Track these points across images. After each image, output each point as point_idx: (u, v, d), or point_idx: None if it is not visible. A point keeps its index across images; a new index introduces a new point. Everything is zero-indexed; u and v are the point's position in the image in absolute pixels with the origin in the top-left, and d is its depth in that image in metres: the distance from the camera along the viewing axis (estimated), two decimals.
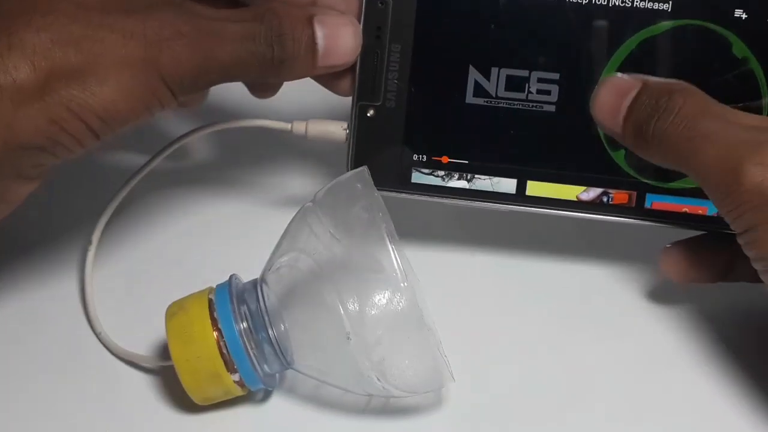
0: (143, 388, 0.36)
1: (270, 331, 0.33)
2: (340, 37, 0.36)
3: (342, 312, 0.32)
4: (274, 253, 0.35)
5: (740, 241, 0.33)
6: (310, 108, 0.43)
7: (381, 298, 0.32)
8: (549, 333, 0.39)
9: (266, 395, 0.36)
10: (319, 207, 0.34)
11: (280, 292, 0.34)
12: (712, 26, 0.37)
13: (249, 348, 0.33)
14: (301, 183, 0.45)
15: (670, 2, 0.37)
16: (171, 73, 0.32)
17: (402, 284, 0.31)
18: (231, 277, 0.35)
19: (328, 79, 0.38)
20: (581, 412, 0.36)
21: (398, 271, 0.31)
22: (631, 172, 0.38)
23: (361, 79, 0.38)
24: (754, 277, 0.38)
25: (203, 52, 0.32)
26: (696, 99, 0.33)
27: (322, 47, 0.35)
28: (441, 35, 0.38)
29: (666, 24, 0.37)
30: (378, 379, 0.32)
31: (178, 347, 0.33)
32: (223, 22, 0.33)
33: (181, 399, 0.35)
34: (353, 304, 0.32)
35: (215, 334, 0.33)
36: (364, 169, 0.35)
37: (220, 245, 0.42)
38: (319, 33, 0.35)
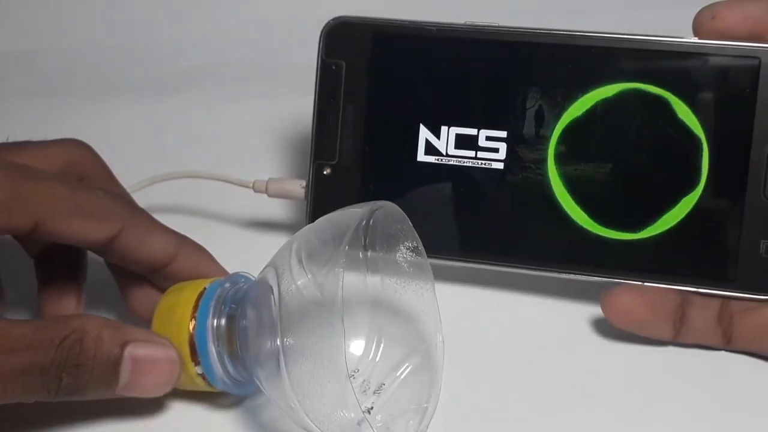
0: None
1: (238, 342, 0.33)
2: (150, 373, 0.32)
3: (283, 370, 0.30)
4: (278, 264, 0.33)
5: None
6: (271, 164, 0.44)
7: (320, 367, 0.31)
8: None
9: (236, 402, 0.35)
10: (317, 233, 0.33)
11: (280, 307, 0.32)
12: (654, 90, 0.37)
13: (212, 344, 0.33)
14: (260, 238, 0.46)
15: (615, 66, 0.37)
16: None
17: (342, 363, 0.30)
18: (233, 274, 0.35)
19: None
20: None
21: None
22: (584, 224, 0.38)
23: (318, 138, 0.40)
24: (707, 337, 0.37)
25: None
26: None
27: (124, 381, 0.32)
28: (392, 95, 0.40)
29: (612, 87, 0.37)
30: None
31: (158, 323, 0.34)
32: (6, 355, 0.30)
33: None
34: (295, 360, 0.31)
35: (192, 323, 0.33)
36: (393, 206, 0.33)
37: None
38: (126, 365, 0.31)
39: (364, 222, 0.31)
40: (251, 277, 0.35)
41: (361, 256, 0.33)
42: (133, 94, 0.57)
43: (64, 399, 0.31)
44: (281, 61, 0.57)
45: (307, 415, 0.30)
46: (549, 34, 0.38)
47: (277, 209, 0.46)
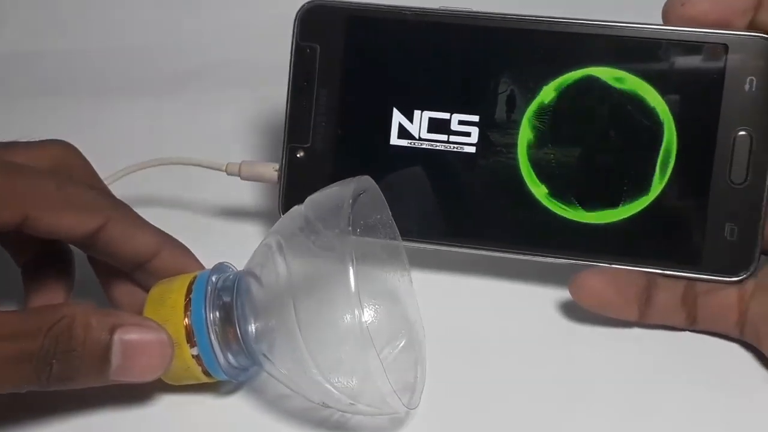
0: None
1: (238, 326, 0.33)
2: (141, 356, 0.32)
3: (301, 340, 0.31)
4: (257, 250, 0.34)
5: None
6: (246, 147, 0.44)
7: (335, 333, 0.31)
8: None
9: (236, 388, 0.36)
10: (306, 210, 0.34)
11: (258, 289, 0.33)
12: (623, 75, 0.37)
13: (212, 335, 0.33)
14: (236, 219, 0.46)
15: (585, 52, 0.38)
16: None
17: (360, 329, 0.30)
18: (218, 264, 0.35)
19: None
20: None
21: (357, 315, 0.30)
22: (553, 207, 0.38)
23: (291, 121, 0.40)
24: (673, 318, 0.38)
25: None
26: None
27: (116, 365, 0.31)
28: (366, 79, 0.40)
29: (582, 72, 0.38)
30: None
31: (150, 310, 0.34)
32: None
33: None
34: (309, 333, 0.31)
35: (186, 320, 0.33)
36: (352, 182, 0.33)
37: None
38: (117, 349, 0.31)
39: (351, 200, 0.32)
40: (233, 266, 0.36)
41: (350, 231, 0.33)
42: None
43: (57, 387, 0.31)
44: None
45: (323, 375, 0.31)
46: (520, 20, 0.38)
47: (251, 193, 0.46)
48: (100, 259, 0.36)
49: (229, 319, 0.33)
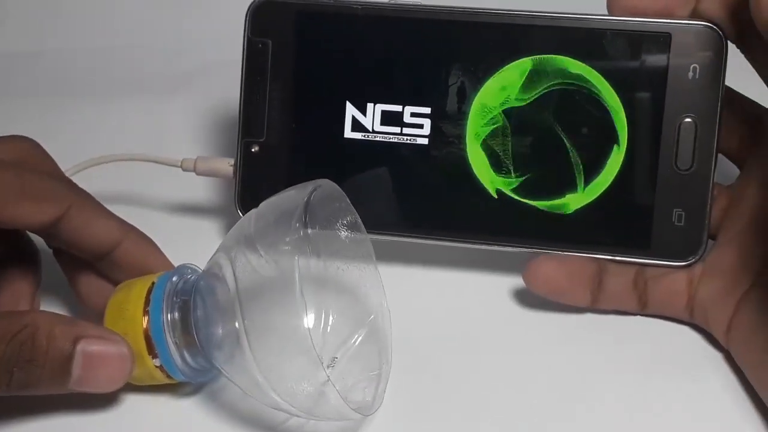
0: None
1: (195, 331, 0.33)
2: (102, 368, 0.32)
3: (250, 356, 0.31)
4: (218, 250, 0.34)
5: None
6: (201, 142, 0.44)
7: (285, 352, 0.31)
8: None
9: (196, 389, 0.36)
10: (259, 218, 0.34)
11: (238, 288, 0.33)
12: (571, 64, 0.38)
13: (169, 336, 0.33)
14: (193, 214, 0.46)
15: (532, 42, 0.38)
16: None
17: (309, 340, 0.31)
18: (180, 266, 0.36)
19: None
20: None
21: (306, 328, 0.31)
22: (503, 197, 0.39)
23: (245, 116, 0.40)
24: (624, 303, 0.38)
25: None
26: None
27: (76, 375, 0.32)
28: (319, 73, 0.40)
29: (529, 62, 0.38)
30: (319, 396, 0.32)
31: (110, 320, 0.34)
32: None
33: None
34: (258, 350, 0.31)
35: (145, 318, 0.34)
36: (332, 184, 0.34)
37: None
38: (78, 360, 0.32)
39: (305, 200, 0.32)
40: (197, 268, 0.36)
41: (302, 234, 0.33)
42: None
43: (17, 393, 0.31)
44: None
45: (273, 389, 0.31)
46: (467, 13, 0.39)
47: (208, 189, 0.46)
48: (63, 249, 0.36)
49: (186, 324, 0.34)
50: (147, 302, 0.34)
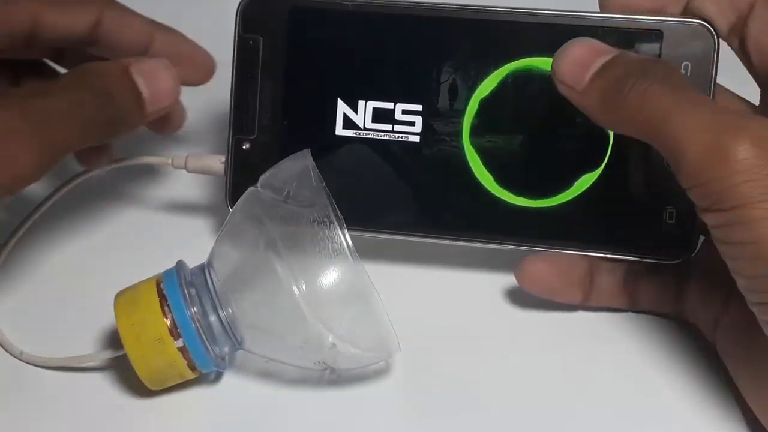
0: (87, 389, 0.37)
1: (220, 313, 0.34)
2: (159, 81, 0.37)
3: (296, 290, 0.32)
4: (220, 237, 0.35)
5: (718, 221, 0.30)
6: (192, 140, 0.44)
7: (332, 275, 0.33)
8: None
9: (217, 377, 0.37)
10: (265, 188, 0.35)
11: (225, 275, 0.35)
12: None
13: (200, 331, 0.34)
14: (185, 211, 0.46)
15: (525, 41, 0.38)
16: (12, 174, 0.32)
17: (351, 260, 0.33)
18: (178, 262, 0.36)
19: (156, 123, 0.40)
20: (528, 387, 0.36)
21: (348, 249, 0.33)
22: (497, 195, 0.39)
23: (236, 113, 0.40)
24: (615, 300, 0.38)
25: (39, 141, 0.32)
26: (680, 73, 0.35)
27: (147, 94, 0.36)
28: (310, 70, 0.40)
29: (523, 61, 0.38)
30: (333, 346, 0.33)
31: (123, 318, 0.34)
32: (49, 100, 0.33)
33: (131, 389, 0.36)
34: (304, 282, 0.33)
35: (167, 321, 0.34)
36: (306, 152, 0.36)
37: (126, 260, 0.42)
38: (140, 81, 0.36)
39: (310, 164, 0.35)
40: (188, 266, 0.36)
41: (323, 184, 0.35)
42: None
43: (115, 135, 0.36)
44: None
45: (319, 318, 0.33)
46: (461, 9, 0.39)
47: (199, 187, 0.46)
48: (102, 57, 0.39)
49: (206, 310, 0.34)
50: (159, 292, 0.34)
